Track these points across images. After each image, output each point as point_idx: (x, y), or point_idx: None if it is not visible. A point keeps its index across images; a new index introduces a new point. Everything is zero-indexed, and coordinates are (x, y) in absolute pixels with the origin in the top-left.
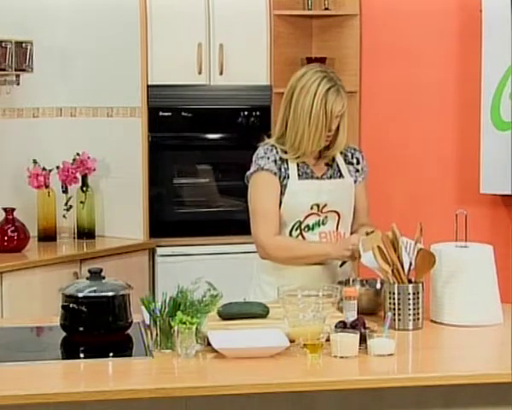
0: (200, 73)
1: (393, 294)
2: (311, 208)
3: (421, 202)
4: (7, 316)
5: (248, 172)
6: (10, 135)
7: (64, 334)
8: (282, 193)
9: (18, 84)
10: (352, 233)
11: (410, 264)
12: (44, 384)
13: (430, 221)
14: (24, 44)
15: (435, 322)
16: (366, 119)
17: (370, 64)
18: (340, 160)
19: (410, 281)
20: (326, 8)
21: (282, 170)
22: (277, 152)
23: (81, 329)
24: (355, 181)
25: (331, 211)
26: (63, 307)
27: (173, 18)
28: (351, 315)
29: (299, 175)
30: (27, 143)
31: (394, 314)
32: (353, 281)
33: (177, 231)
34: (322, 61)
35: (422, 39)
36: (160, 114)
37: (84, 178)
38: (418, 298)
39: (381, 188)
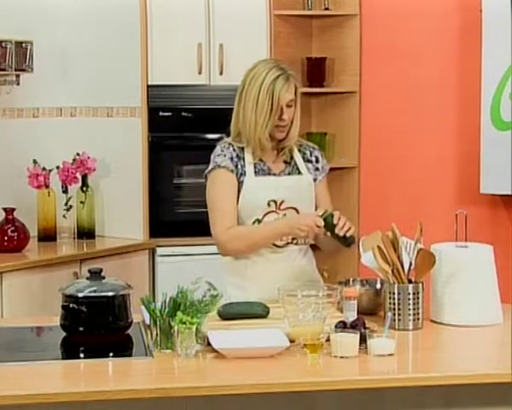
0: (200, 73)
1: (393, 294)
2: (269, 205)
3: (421, 202)
4: (7, 316)
5: (206, 171)
6: (10, 135)
7: (64, 334)
8: (238, 190)
9: (18, 84)
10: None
11: (410, 264)
12: (44, 384)
13: (430, 221)
14: (24, 44)
15: (435, 322)
16: (366, 119)
17: (370, 64)
18: (298, 157)
19: (410, 281)
20: (326, 8)
21: (239, 167)
22: (234, 149)
23: (81, 329)
24: (315, 179)
25: (289, 208)
26: (63, 307)
27: (173, 18)
28: (351, 315)
29: (255, 172)
30: (27, 143)
31: (394, 314)
32: (353, 281)
33: (177, 231)
34: (322, 61)
35: (422, 39)
36: (160, 114)
37: (84, 178)
38: (418, 298)
39: (381, 188)
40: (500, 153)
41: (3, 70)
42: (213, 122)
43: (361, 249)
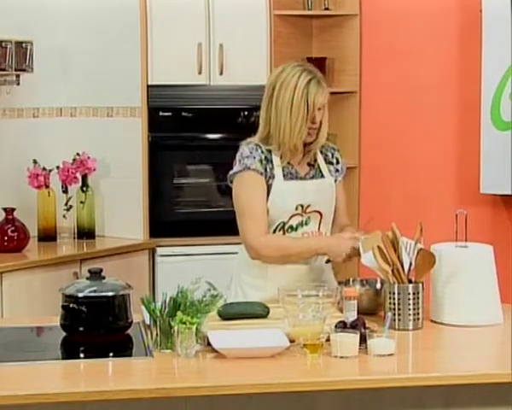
0: (200, 73)
1: (393, 294)
2: (296, 209)
3: (421, 202)
4: (7, 316)
5: (232, 172)
6: (10, 135)
7: (64, 334)
8: (267, 193)
9: (18, 84)
10: (332, 234)
11: (410, 264)
12: (44, 384)
13: (430, 221)
14: (24, 44)
15: (435, 322)
16: (366, 119)
17: (370, 64)
18: (320, 160)
19: (410, 281)
20: (326, 8)
21: (268, 170)
22: (262, 152)
23: (81, 329)
24: (335, 181)
25: (314, 211)
26: (63, 307)
27: (173, 18)
28: (351, 315)
29: (284, 175)
30: (27, 143)
31: (394, 314)
32: (353, 281)
33: (177, 231)
34: (322, 61)
35: (422, 39)
36: (160, 114)
37: (84, 178)
38: (418, 298)
39: (381, 188)
40: (500, 153)
41: (3, 70)
42: (213, 122)
43: (361, 249)
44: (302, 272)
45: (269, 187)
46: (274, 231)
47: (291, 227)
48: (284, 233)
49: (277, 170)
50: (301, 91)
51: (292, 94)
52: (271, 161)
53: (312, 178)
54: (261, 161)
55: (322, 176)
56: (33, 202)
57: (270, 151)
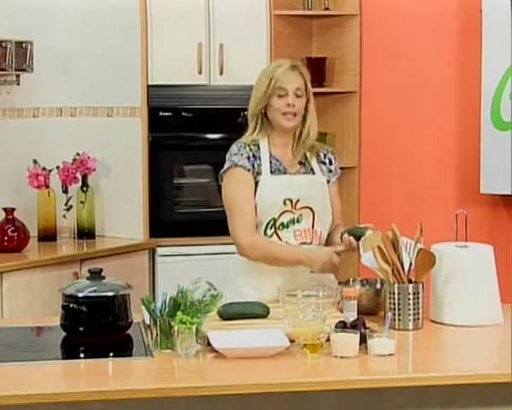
0: (200, 73)
1: (393, 294)
2: (284, 204)
3: (421, 202)
4: (7, 316)
5: (222, 171)
6: (10, 135)
7: (64, 334)
8: (255, 190)
9: (18, 84)
10: (328, 234)
11: (410, 264)
12: (44, 384)
13: (430, 221)
14: (24, 44)
15: (435, 322)
16: (366, 119)
17: (370, 64)
18: (312, 159)
19: (410, 281)
20: (326, 8)
21: (255, 166)
22: (250, 149)
23: (81, 329)
24: (328, 181)
25: (305, 207)
26: (63, 307)
27: (173, 18)
28: (351, 315)
29: (271, 171)
30: (27, 143)
31: (394, 314)
32: (353, 281)
33: (177, 231)
34: (322, 61)
35: (422, 39)
36: (160, 114)
37: (84, 178)
38: (418, 298)
39: (381, 188)
40: (500, 153)
41: (3, 70)
42: (213, 122)
43: (361, 249)
44: (298, 272)
45: (257, 183)
46: (265, 229)
47: (282, 224)
48: (276, 230)
49: (265, 166)
50: (269, 72)
51: (263, 73)
52: (259, 158)
53: (302, 174)
54: (248, 158)
55: (313, 173)
56: (33, 202)
57: (258, 148)
